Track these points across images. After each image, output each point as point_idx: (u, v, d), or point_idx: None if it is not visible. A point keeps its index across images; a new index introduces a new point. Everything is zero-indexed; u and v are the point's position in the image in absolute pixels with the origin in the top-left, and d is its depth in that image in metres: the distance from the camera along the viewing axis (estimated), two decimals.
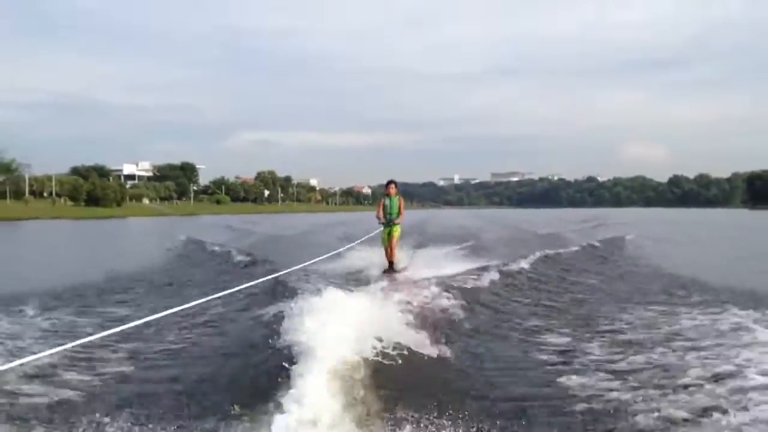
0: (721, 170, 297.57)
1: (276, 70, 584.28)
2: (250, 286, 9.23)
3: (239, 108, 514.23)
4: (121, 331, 6.10)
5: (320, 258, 12.46)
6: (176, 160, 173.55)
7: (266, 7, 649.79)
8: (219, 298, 8.59)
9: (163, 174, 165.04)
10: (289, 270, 10.58)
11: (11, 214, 76.68)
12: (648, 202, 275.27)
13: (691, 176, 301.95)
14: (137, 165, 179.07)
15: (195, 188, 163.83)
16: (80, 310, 11.09)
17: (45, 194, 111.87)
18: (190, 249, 24.67)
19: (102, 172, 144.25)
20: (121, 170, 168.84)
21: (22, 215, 77.09)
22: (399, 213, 14.15)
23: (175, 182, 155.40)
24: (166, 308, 6.92)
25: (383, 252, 14.60)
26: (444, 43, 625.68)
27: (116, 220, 79.78)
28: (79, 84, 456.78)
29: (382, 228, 14.34)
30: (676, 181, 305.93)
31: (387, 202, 14.25)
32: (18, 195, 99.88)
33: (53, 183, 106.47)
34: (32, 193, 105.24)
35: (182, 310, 6.90)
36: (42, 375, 6.51)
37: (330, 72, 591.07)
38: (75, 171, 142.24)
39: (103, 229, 56.03)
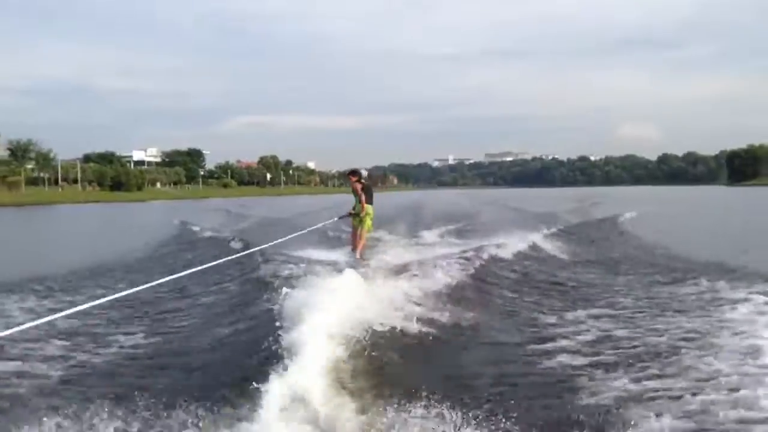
0: (711, 148, 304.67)
1: (271, 54, 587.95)
2: (234, 262, 9.90)
3: (234, 92, 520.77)
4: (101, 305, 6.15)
5: (299, 233, 13.06)
6: (171, 145, 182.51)
7: None
8: (203, 273, 9.21)
9: (171, 160, 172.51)
10: (268, 245, 10.94)
11: (50, 199, 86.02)
12: (637, 180, 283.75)
13: (680, 154, 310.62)
14: (146, 151, 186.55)
15: (202, 173, 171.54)
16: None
17: (67, 180, 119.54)
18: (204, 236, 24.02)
19: (112, 158, 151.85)
20: (131, 156, 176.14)
21: (60, 199, 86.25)
22: (362, 204, 13.29)
23: (184, 167, 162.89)
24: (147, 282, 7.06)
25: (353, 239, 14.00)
26: (440, 25, 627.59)
27: (148, 203, 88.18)
28: (73, 70, 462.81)
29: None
30: (665, 159, 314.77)
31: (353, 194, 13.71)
32: (47, 181, 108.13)
33: (78, 169, 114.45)
34: (57, 179, 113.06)
35: (159, 284, 6.99)
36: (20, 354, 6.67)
37: (324, 55, 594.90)
38: (87, 157, 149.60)
39: (143, 210, 63.96)
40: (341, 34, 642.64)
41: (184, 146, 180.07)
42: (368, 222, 13.39)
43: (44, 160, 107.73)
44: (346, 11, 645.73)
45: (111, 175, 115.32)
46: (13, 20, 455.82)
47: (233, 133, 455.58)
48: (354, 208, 13.54)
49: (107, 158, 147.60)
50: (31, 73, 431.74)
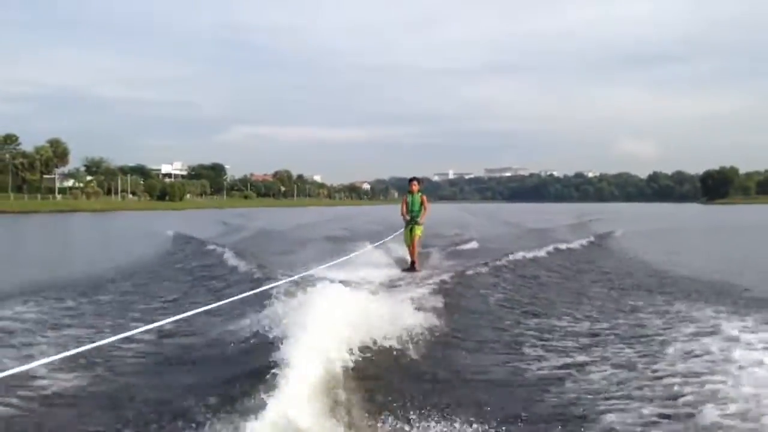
0: (702, 166, 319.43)
1: (276, 66, 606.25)
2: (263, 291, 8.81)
3: (239, 103, 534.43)
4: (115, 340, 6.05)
5: (332, 263, 12.06)
6: (172, 152, 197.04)
7: (267, 4, 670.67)
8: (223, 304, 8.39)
9: (196, 173, 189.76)
10: (299, 275, 9.96)
11: (118, 207, 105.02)
12: (628, 197, 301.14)
13: (670, 173, 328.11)
14: (172, 165, 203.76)
15: (225, 185, 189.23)
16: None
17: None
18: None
19: (143, 171, 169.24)
20: (159, 170, 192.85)
21: (127, 207, 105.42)
22: (421, 210, 14.18)
23: (209, 180, 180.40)
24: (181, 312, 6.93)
25: (403, 250, 15.08)
26: (443, 40, 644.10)
27: (191, 211, 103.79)
28: (78, 78, 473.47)
29: (404, 226, 14.40)
30: (654, 177, 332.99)
31: (410, 199, 14.32)
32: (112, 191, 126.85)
33: (128, 182, 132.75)
34: (110, 190, 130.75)
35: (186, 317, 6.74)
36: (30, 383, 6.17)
37: (328, 68, 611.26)
38: (121, 169, 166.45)
39: (197, 216, 78.17)
40: (342, 48, 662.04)
41: (190, 154, 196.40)
42: (421, 229, 14.35)
43: (113, 174, 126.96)
44: (345, 26, 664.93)
45: (159, 187, 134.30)
46: (15, 26, 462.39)
47: (236, 144, 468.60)
48: (410, 214, 14.25)
49: (138, 170, 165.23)
50: (36, 79, 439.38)
